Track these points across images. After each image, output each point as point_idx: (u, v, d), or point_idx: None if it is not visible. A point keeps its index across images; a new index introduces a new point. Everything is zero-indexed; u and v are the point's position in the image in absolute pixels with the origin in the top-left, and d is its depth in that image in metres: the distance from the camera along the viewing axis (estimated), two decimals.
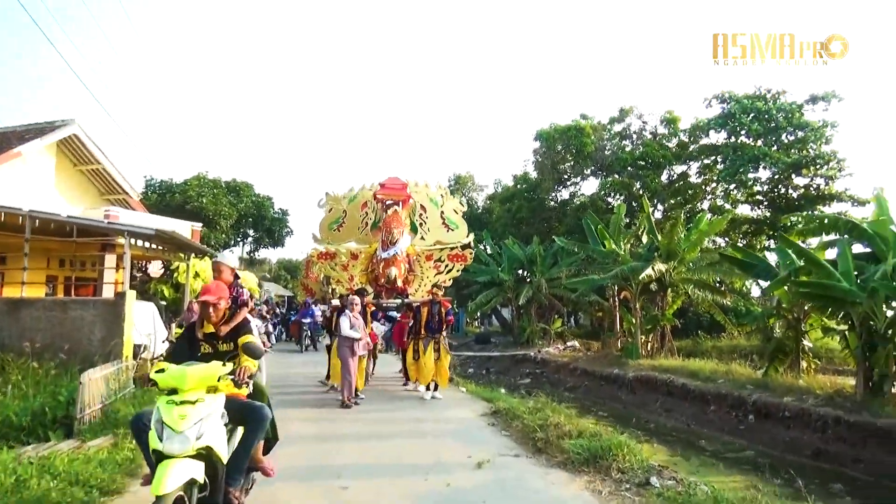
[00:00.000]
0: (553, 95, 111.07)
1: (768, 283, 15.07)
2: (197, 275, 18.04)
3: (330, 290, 27.78)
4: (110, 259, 16.04)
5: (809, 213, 26.84)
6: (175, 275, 17.49)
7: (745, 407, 13.67)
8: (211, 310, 4.24)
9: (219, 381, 3.80)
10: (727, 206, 31.18)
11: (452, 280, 12.80)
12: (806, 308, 14.54)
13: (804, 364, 14.52)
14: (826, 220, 13.97)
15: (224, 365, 3.89)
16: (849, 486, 9.73)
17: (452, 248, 12.07)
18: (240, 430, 4.08)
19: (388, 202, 11.28)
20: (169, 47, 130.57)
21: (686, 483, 5.11)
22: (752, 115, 27.32)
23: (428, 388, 10.65)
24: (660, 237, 20.13)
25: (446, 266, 12.04)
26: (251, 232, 34.58)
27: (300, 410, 8.80)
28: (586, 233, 22.70)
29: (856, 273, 12.23)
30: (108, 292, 14.44)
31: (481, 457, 6.24)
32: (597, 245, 22.00)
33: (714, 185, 30.70)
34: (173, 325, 13.91)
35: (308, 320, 20.65)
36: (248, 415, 4.05)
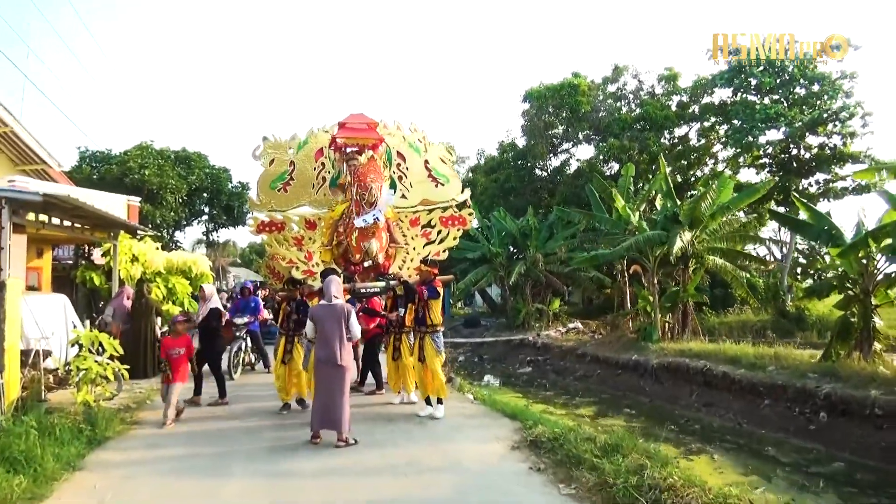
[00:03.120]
0: (536, 57, 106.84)
1: (831, 247, 12.49)
2: (135, 259, 14.95)
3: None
4: (20, 240, 12.85)
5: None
6: (107, 258, 14.34)
7: (813, 401, 11.06)
8: None
9: None
10: (727, 172, 28.88)
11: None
12: (878, 279, 11.96)
13: (877, 346, 11.93)
14: None
15: None
16: None
17: (445, 209, 9.09)
18: None
19: (350, 148, 8.25)
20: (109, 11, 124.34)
21: None
22: (761, 67, 24.64)
23: (428, 403, 7.82)
24: (678, 202, 17.45)
25: (439, 233, 9.07)
26: (205, 209, 30.90)
27: (247, 459, 5.87)
28: (590, 200, 19.98)
29: None
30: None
31: None
32: (602, 213, 19.33)
33: (719, 148, 28.17)
34: (87, 322, 10.84)
35: (245, 319, 11.51)
36: None
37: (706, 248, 16.92)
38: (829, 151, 24.99)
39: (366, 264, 7.97)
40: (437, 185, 8.84)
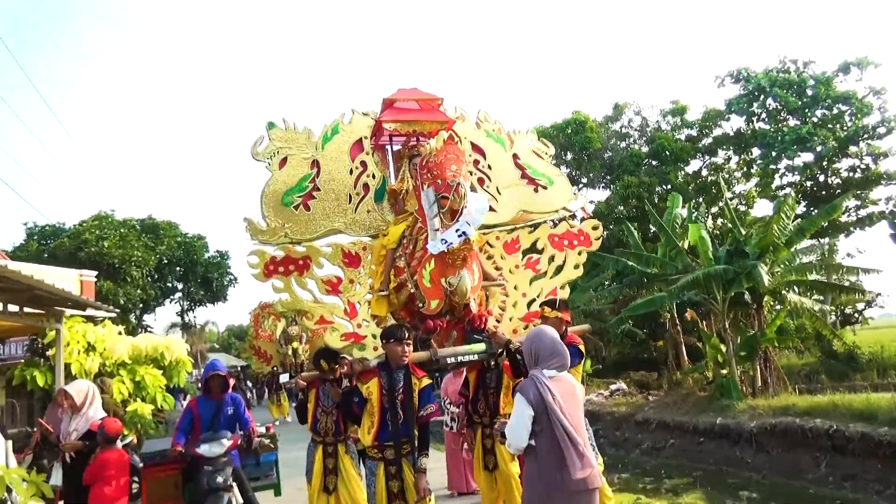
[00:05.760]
0: (527, 104, 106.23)
1: None
2: (91, 348, 11.85)
3: (290, 352, 20.94)
4: None
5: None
6: (51, 350, 11.18)
7: None
8: None
9: None
10: (742, 207, 26.84)
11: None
12: None
13: None
14: None
15: None
16: None
17: (555, 224, 6.19)
18: None
19: (406, 141, 5.59)
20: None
21: None
22: (783, 88, 22.81)
23: None
24: (742, 229, 14.91)
25: (551, 260, 6.02)
26: (179, 286, 27.26)
27: None
28: (629, 240, 17.47)
29: None
30: None
31: None
32: (641, 251, 16.80)
33: (740, 177, 26.12)
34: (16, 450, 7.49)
35: (222, 445, 5.74)
36: None
37: (783, 282, 14.21)
38: (859, 174, 23.05)
39: (470, 308, 4.87)
40: (536, 190, 5.99)
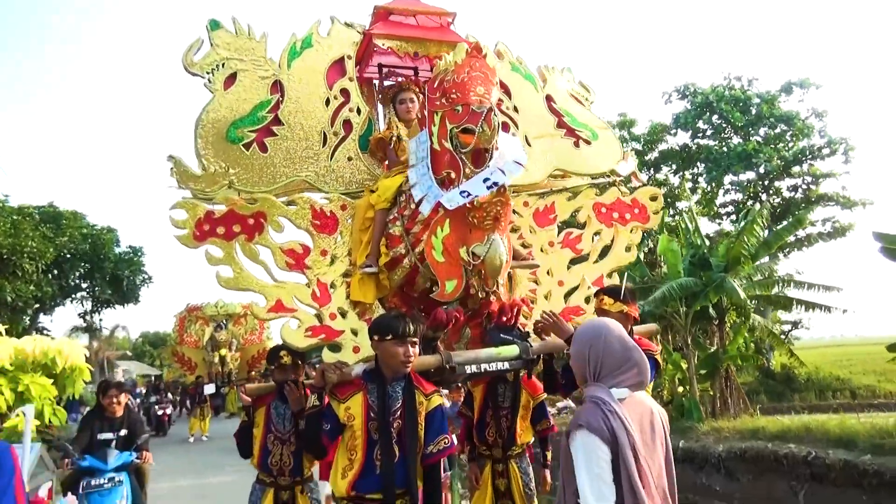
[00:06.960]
0: None
1: None
2: None
3: (217, 359, 18.76)
4: None
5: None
6: None
7: None
8: None
9: None
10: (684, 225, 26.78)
11: None
12: None
13: None
14: None
15: None
16: None
17: (601, 189, 4.78)
18: None
19: (399, 67, 4.31)
20: None
21: None
22: (728, 103, 22.85)
23: None
24: (707, 242, 14.24)
25: (596, 237, 4.65)
26: (83, 283, 23.65)
27: None
28: None
29: None
30: None
31: None
32: None
33: (681, 193, 25.99)
34: None
35: None
36: None
37: (749, 297, 13.59)
38: (800, 195, 23.26)
39: (497, 290, 3.52)
40: (577, 144, 4.62)
